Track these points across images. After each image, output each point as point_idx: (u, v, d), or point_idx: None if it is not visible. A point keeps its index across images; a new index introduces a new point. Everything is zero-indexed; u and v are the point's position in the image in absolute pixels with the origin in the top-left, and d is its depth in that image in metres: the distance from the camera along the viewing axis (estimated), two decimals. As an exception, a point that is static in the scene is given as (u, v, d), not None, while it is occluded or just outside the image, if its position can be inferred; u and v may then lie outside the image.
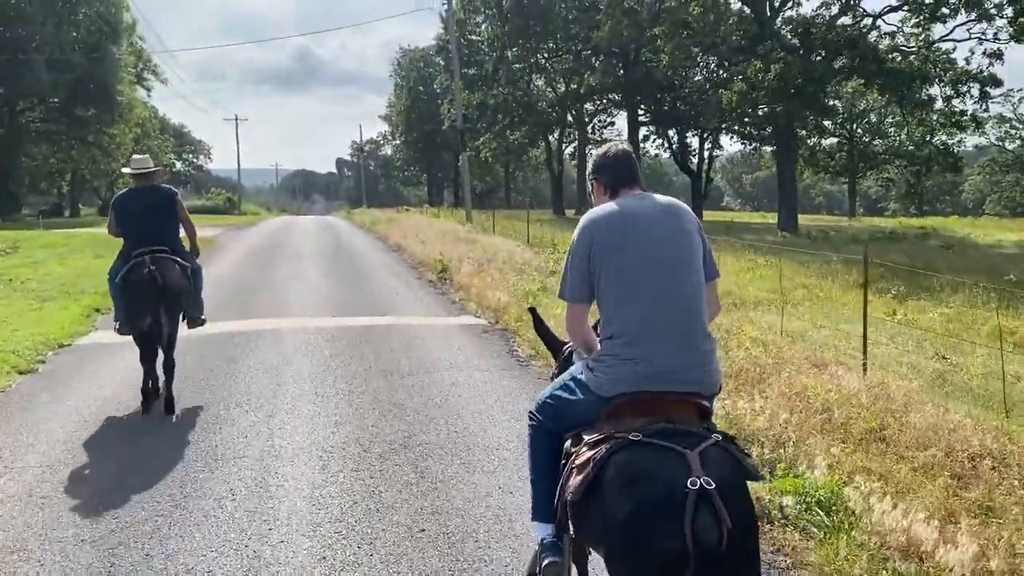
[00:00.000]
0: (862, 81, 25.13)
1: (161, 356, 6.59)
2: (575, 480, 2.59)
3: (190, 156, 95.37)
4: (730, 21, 25.87)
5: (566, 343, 3.57)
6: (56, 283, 13.65)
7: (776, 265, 15.26)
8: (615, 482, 2.43)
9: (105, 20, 42.54)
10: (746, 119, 27.46)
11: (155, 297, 6.22)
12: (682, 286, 2.78)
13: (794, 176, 29.06)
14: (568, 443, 2.95)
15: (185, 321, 7.10)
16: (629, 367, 2.71)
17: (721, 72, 38.10)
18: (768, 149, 48.06)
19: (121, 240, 6.74)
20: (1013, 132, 73.84)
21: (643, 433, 2.49)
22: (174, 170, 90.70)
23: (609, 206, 2.95)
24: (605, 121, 47.72)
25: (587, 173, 3.22)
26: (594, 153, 3.27)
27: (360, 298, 12.39)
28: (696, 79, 38.36)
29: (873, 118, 62.89)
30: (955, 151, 55.19)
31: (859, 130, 63.22)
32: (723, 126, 34.50)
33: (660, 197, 3.00)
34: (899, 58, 23.07)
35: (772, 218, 62.20)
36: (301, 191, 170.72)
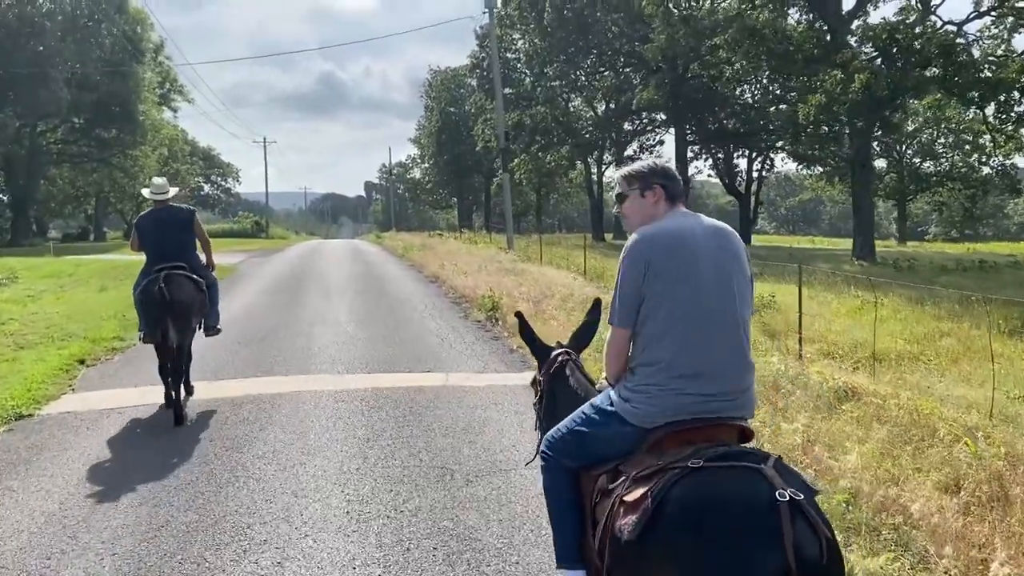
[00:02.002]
0: (950, 94, 22.74)
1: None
2: (628, 519, 2.38)
3: (219, 179, 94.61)
4: (799, 29, 23.75)
5: (554, 350, 3.51)
6: (43, 324, 11.66)
7: (890, 303, 12.95)
8: (689, 512, 2.26)
9: (129, 39, 41.27)
10: (820, 135, 25.05)
11: (164, 312, 6.75)
12: (733, 317, 2.71)
13: (871, 200, 26.66)
14: (602, 480, 2.70)
15: (202, 330, 7.64)
16: (677, 397, 2.64)
17: (775, 87, 35.91)
18: (818, 169, 45.62)
19: (143, 255, 7.32)
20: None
21: (703, 459, 2.35)
22: (202, 193, 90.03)
23: (664, 226, 2.82)
24: (653, 140, 45.38)
25: (638, 174, 2.98)
26: (642, 163, 3.06)
27: (399, 347, 10.23)
28: (745, 97, 36.20)
29: (923, 138, 60.27)
30: (1013, 172, 52.56)
31: (908, 151, 60.56)
32: (789, 145, 32.12)
33: (708, 219, 2.90)
34: (996, 68, 20.71)
35: (826, 243, 59.74)
36: (330, 214, 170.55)
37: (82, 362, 9.39)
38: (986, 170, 50.21)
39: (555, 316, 11.44)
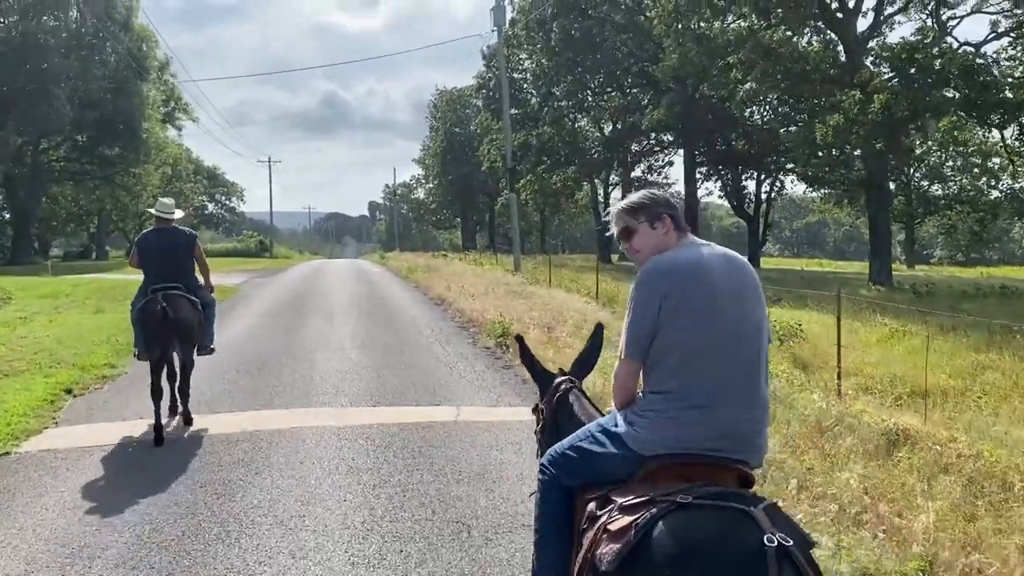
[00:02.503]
0: (970, 115, 22.23)
1: (173, 381, 7.31)
2: (610, 548, 2.31)
3: (223, 198, 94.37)
4: (815, 49, 23.30)
5: (556, 377, 3.40)
6: (31, 350, 11.07)
7: (920, 332, 12.33)
8: (672, 548, 2.18)
9: (134, 57, 40.99)
10: (835, 157, 24.52)
11: (166, 331, 6.83)
12: (751, 350, 2.63)
13: (888, 223, 26.07)
14: (592, 506, 2.59)
15: (196, 350, 7.51)
16: (679, 428, 2.55)
17: (784, 108, 35.45)
18: (828, 192, 45.02)
19: (141, 272, 7.35)
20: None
21: (692, 495, 2.27)
22: (206, 212, 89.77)
23: (678, 255, 2.72)
24: (663, 161, 44.84)
25: (640, 206, 2.88)
26: (646, 192, 2.96)
27: (406, 376, 9.64)
28: (755, 118, 35.73)
29: (932, 161, 59.76)
30: (1022, 196, 51.95)
31: (916, 174, 60.08)
32: (800, 167, 31.56)
33: (720, 248, 2.81)
34: (1017, 90, 20.21)
35: (833, 266, 59.08)
36: (333, 234, 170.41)
37: (69, 391, 8.79)
38: (995, 194, 49.77)
39: (569, 344, 10.85)
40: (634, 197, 2.97)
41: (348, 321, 14.61)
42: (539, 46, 38.57)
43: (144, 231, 7.67)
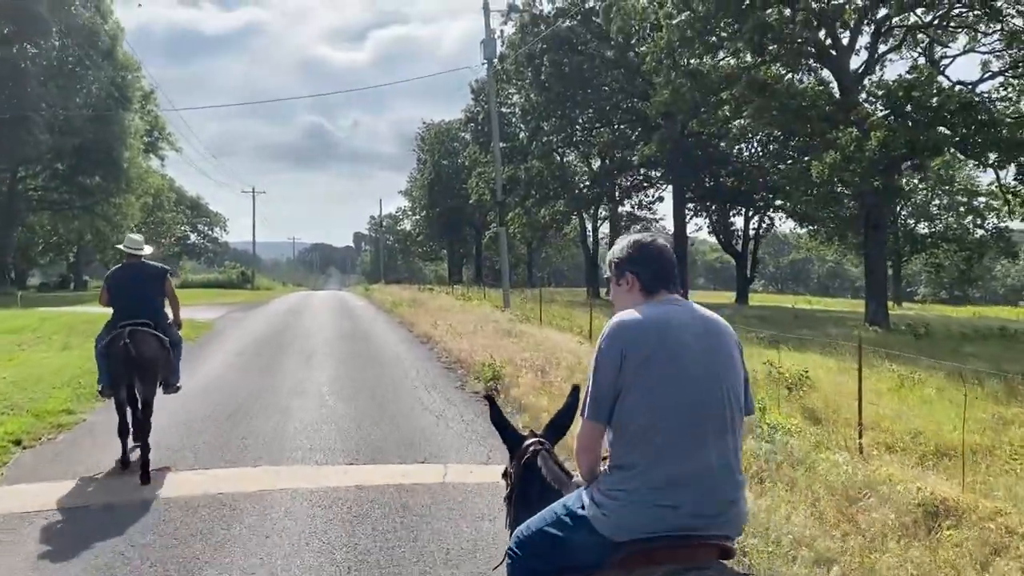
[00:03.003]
0: (967, 154, 21.91)
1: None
2: None
3: (206, 228, 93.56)
4: (810, 86, 23.05)
5: (526, 438, 3.21)
6: (-19, 394, 10.25)
7: (931, 381, 11.76)
8: None
9: (116, 86, 40.38)
10: (830, 195, 24.14)
11: (129, 368, 6.75)
12: (721, 419, 2.48)
13: (885, 262, 25.67)
14: None
15: (162, 387, 7.43)
16: (649, 511, 2.37)
17: (774, 146, 35.26)
18: (816, 228, 44.86)
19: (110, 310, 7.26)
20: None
21: None
22: (188, 242, 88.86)
23: (645, 314, 2.55)
24: (652, 196, 44.58)
25: (613, 261, 2.78)
26: (629, 240, 2.80)
27: (388, 427, 8.91)
28: (744, 155, 35.51)
29: (918, 200, 59.93)
30: (1008, 235, 52.06)
31: (903, 212, 60.20)
32: (789, 204, 31.29)
33: (699, 308, 2.68)
34: (1015, 128, 19.91)
35: (821, 303, 58.72)
36: (318, 265, 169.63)
37: (18, 443, 7.99)
38: (980, 232, 49.80)
39: (565, 391, 10.14)
40: (616, 246, 2.83)
41: (328, 363, 13.86)
42: (528, 81, 38.33)
43: (113, 267, 7.59)
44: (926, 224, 59.83)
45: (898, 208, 58.59)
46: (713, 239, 55.46)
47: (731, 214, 42.46)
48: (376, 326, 21.92)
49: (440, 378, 12.46)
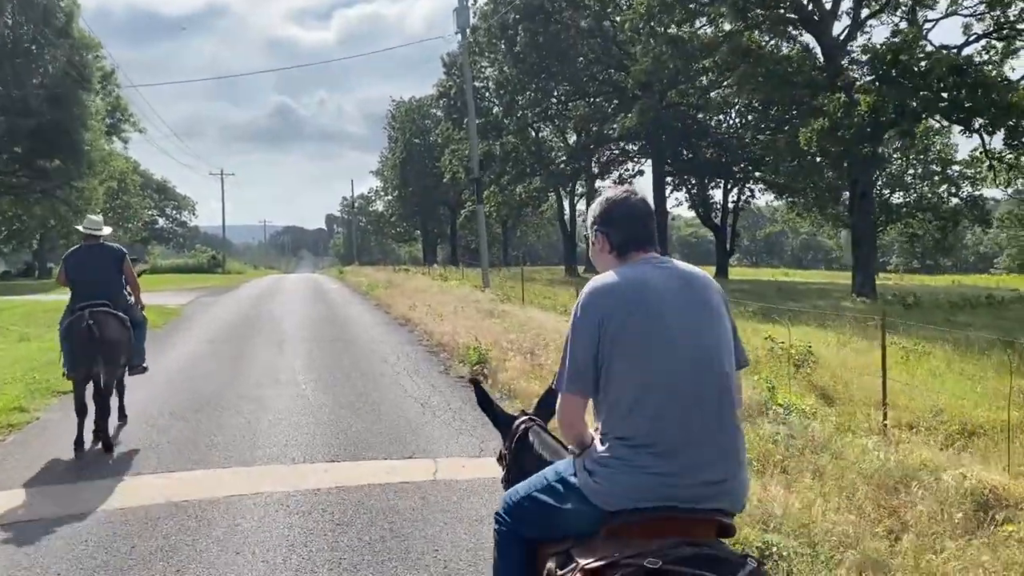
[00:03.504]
0: (955, 118, 21.41)
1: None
2: None
3: (174, 212, 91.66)
4: (796, 50, 22.48)
5: (516, 418, 3.10)
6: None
7: (938, 353, 11.28)
8: None
9: (74, 65, 38.80)
10: (816, 164, 23.60)
11: (92, 348, 6.71)
12: (713, 380, 2.32)
13: (873, 233, 25.25)
14: (551, 564, 2.38)
15: (127, 369, 7.61)
16: (645, 479, 2.24)
17: (753, 117, 34.70)
18: (791, 200, 44.59)
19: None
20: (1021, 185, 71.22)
21: (663, 558, 2.03)
22: (156, 227, 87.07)
23: (621, 276, 2.42)
24: (633, 170, 43.78)
25: (590, 223, 2.65)
26: (601, 198, 2.66)
27: (371, 418, 8.23)
28: (724, 126, 34.93)
29: (893, 169, 59.81)
30: (983, 204, 52.24)
31: (878, 182, 60.11)
32: (770, 175, 30.77)
33: (681, 264, 2.52)
34: (1005, 92, 19.44)
35: (799, 276, 58.60)
36: (290, 248, 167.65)
37: (-41, 450, 7.23)
38: (955, 201, 49.82)
39: (552, 369, 9.52)
40: (604, 201, 2.65)
41: (303, 349, 13.11)
42: (502, 53, 37.33)
43: (72, 248, 7.47)
44: (901, 194, 59.82)
45: (874, 178, 58.59)
46: (687, 213, 55.10)
47: (710, 187, 41.96)
48: (351, 309, 21.15)
49: (423, 363, 11.79)
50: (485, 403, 3.27)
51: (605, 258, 2.59)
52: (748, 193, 41.57)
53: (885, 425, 6.91)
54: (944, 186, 58.97)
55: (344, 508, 5.55)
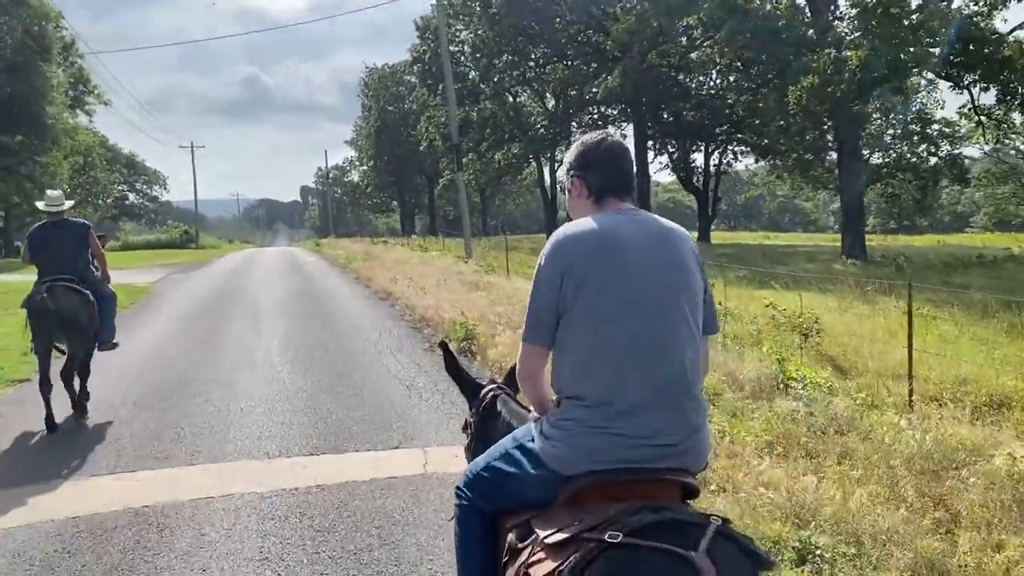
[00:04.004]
0: (945, 74, 20.83)
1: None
2: None
3: (144, 187, 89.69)
4: (783, 4, 21.77)
5: (484, 385, 3.07)
6: None
7: (942, 315, 10.82)
8: None
9: (32, 35, 37.26)
10: (803, 124, 22.96)
11: (50, 324, 6.80)
12: (675, 339, 2.21)
13: (861, 194, 24.74)
14: (511, 536, 2.26)
15: (96, 344, 7.46)
16: (602, 439, 2.15)
17: (734, 76, 33.96)
18: (774, 162, 44.13)
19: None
20: (1008, 142, 71.43)
21: (623, 530, 1.90)
22: (127, 202, 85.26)
23: (590, 224, 2.31)
24: (615, 134, 42.51)
25: (565, 170, 2.56)
26: (577, 143, 2.55)
27: (352, 402, 7.62)
28: (706, 87, 34.19)
29: (872, 129, 59.43)
30: (961, 163, 52.06)
31: (859, 142, 59.78)
32: (755, 137, 30.10)
33: (657, 219, 2.40)
34: (997, 46, 18.87)
35: (781, 238, 58.24)
36: (264, 221, 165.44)
37: (-101, 447, 6.56)
38: (934, 160, 49.64)
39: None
40: (582, 144, 2.54)
41: (279, 326, 12.43)
42: (477, 15, 36.18)
43: (35, 225, 7.40)
44: (880, 154, 59.55)
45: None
46: (665, 179, 54.49)
47: (691, 151, 41.25)
48: (329, 283, 20.42)
49: (406, 339, 11.17)
50: (453, 368, 3.14)
51: (582, 204, 2.47)
52: (731, 156, 40.98)
53: (911, 400, 6.39)
54: (923, 145, 58.79)
55: (325, 511, 4.97)
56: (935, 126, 63.10)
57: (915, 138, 63.62)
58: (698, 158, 42.24)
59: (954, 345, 9.08)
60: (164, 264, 31.14)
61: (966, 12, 19.65)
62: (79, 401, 7.19)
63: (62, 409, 7.09)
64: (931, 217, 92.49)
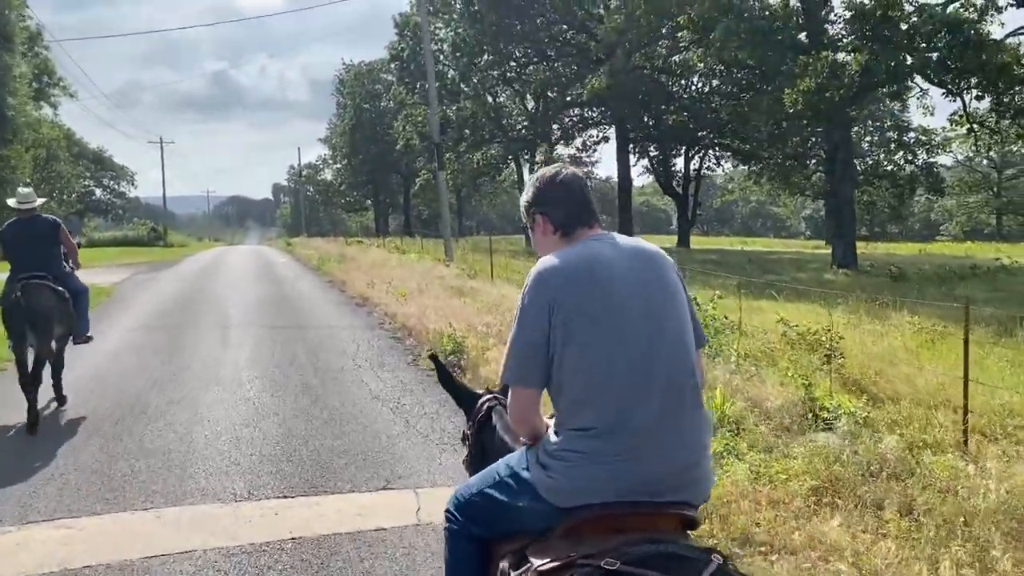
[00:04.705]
0: (940, 80, 20.36)
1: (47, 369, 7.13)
2: None
3: (111, 183, 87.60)
4: (777, 4, 21.19)
5: (480, 396, 2.94)
6: None
7: (956, 332, 10.17)
8: None
9: (-8, 24, 35.81)
10: (798, 128, 22.43)
11: (23, 321, 6.83)
12: (674, 363, 2.18)
13: (853, 200, 24.25)
14: (504, 564, 2.22)
15: (71, 338, 7.58)
16: (602, 471, 2.09)
17: (715, 81, 33.49)
18: (744, 166, 43.89)
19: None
20: (995, 150, 72.20)
21: (621, 558, 1.88)
22: (93, 198, 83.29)
23: (571, 254, 2.27)
24: (598, 137, 42.10)
25: (525, 209, 2.51)
26: (532, 179, 2.54)
27: (331, 431, 6.79)
28: (690, 90, 33.62)
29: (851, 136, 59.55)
30: (937, 172, 52.31)
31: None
32: (737, 141, 29.55)
33: (628, 240, 2.38)
34: (995, 52, 18.39)
35: (759, 244, 58.03)
36: (235, 218, 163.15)
37: None
38: (910, 168, 49.81)
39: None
40: (537, 180, 2.49)
41: (248, 338, 11.51)
42: (458, 12, 35.28)
43: (7, 222, 7.47)
44: (858, 161, 59.62)
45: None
46: (638, 182, 54.02)
47: (672, 155, 40.69)
48: (302, 287, 19.49)
49: (387, 353, 10.34)
50: (446, 379, 3.05)
51: (550, 240, 2.43)
52: (712, 160, 40.46)
53: (967, 438, 5.70)
54: (900, 153, 59.12)
55: (303, 569, 4.16)
56: (911, 134, 63.58)
57: (892, 145, 64.05)
58: (678, 162, 41.78)
59: (981, 367, 8.44)
60: (129, 263, 29.97)
61: (961, 16, 19.16)
62: (57, 392, 7.41)
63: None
64: (902, 225, 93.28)
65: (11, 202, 7.50)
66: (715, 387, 6.99)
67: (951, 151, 68.70)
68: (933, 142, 62.10)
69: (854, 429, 5.95)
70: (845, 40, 18.56)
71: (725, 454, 5.61)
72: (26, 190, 7.59)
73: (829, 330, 7.98)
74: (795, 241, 76.23)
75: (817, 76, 17.61)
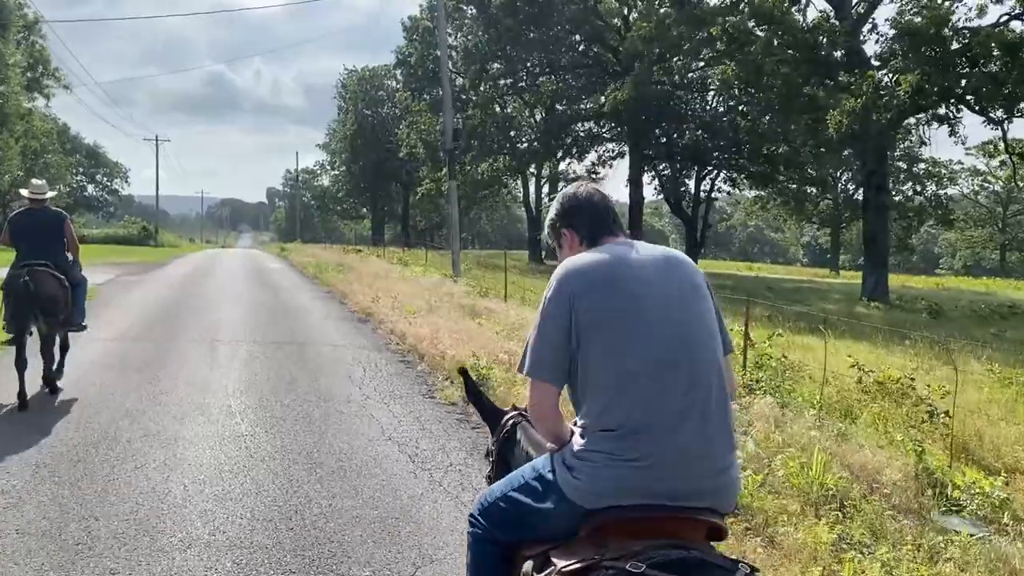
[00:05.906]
0: (987, 103, 19.31)
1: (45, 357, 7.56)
2: None
3: (104, 179, 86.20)
4: (818, 18, 20.16)
5: (505, 412, 2.92)
6: None
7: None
8: None
9: (-14, 10, 34.64)
10: (833, 149, 21.32)
11: (28, 304, 7.10)
12: (700, 365, 2.14)
13: (887, 228, 23.15)
14: (527, 567, 2.20)
15: (68, 326, 7.86)
16: (628, 473, 2.06)
17: (731, 102, 32.46)
18: (758, 189, 42.89)
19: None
20: (987, 185, 71.72)
21: (647, 562, 1.85)
22: (85, 194, 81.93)
23: (595, 256, 2.27)
24: (614, 151, 40.77)
25: (551, 226, 2.53)
26: (558, 197, 2.58)
27: (338, 486, 5.54)
28: (709, 109, 32.58)
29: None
30: (945, 203, 51.59)
31: (843, 177, 59.07)
32: (757, 165, 28.52)
33: (652, 246, 2.39)
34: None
35: (764, 269, 56.99)
36: (228, 221, 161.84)
37: None
38: (919, 199, 49.11)
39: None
40: (562, 197, 2.53)
41: (239, 356, 10.23)
42: (473, 17, 34.12)
43: (17, 209, 7.89)
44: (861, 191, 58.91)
45: (839, 173, 57.40)
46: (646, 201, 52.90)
47: (683, 175, 39.59)
48: (300, 298, 18.20)
49: (398, 380, 9.10)
50: (474, 394, 3.00)
51: (578, 252, 2.36)
52: (727, 182, 39.39)
53: None
54: (909, 183, 58.45)
55: None
56: (922, 165, 62.76)
57: (901, 176, 63.26)
58: (688, 183, 40.68)
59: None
60: (116, 263, 28.63)
61: (1020, 37, 18.02)
62: (50, 376, 7.60)
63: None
64: (901, 257, 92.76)
65: (24, 192, 7.83)
66: (793, 444, 5.84)
67: (958, 184, 67.93)
68: (942, 174, 61.45)
69: (998, 516, 4.78)
70: (892, 60, 17.52)
71: (845, 546, 4.42)
72: (40, 181, 7.97)
73: (891, 377, 6.80)
74: (794, 268, 75.45)
75: (863, 96, 16.55)
